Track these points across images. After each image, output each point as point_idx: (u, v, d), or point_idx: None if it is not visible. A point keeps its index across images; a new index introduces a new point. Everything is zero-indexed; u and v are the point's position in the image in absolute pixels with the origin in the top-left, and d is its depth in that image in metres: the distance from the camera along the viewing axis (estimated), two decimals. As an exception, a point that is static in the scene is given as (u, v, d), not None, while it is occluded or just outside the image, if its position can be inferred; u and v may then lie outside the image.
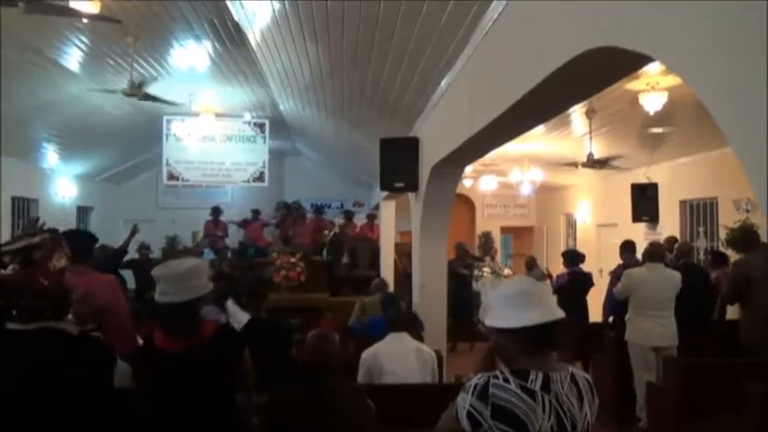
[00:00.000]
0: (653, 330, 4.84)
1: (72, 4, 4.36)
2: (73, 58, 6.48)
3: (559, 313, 1.73)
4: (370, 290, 6.26)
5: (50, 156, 10.13)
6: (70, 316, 2.24)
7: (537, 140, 7.23)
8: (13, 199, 9.40)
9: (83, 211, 12.19)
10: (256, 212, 11.81)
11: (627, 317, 5.07)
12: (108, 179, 12.90)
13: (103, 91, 6.87)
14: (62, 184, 10.99)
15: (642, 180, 8.46)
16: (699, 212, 7.87)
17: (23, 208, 9.80)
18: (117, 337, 2.78)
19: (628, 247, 6.17)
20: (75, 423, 2.08)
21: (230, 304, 4.36)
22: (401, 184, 6.10)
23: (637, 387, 4.91)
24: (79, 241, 3.04)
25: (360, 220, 12.32)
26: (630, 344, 4.97)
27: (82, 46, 6.13)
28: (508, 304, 1.72)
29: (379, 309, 5.57)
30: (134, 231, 7.01)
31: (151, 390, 2.38)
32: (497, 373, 1.67)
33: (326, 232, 11.33)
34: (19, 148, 9.03)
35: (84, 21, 4.86)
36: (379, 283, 6.36)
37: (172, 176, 10.30)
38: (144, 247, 8.86)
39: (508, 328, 1.70)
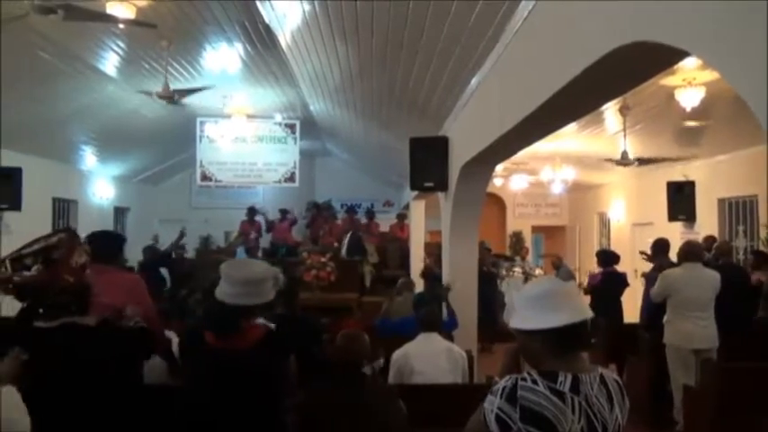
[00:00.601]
0: (693, 332, 4.70)
1: (109, 10, 4.49)
2: (110, 62, 6.66)
3: (587, 313, 1.70)
4: (396, 290, 6.26)
5: (89, 158, 10.43)
6: None
7: (569, 138, 7.13)
8: (54, 200, 9.71)
9: (120, 212, 12.51)
10: (284, 212, 11.94)
11: (665, 319, 4.95)
12: (144, 180, 13.22)
13: (140, 92, 7.04)
14: (100, 186, 11.31)
15: (678, 178, 8.26)
16: (738, 211, 7.64)
17: (64, 209, 10.12)
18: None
19: (660, 248, 5.77)
20: (101, 414, 2.14)
21: None
22: (431, 184, 6.08)
23: (674, 390, 4.80)
24: (104, 241, 3.14)
25: (390, 219, 12.37)
26: (669, 346, 4.85)
27: (118, 50, 6.29)
28: (533, 305, 1.70)
29: (405, 308, 5.58)
30: (182, 235, 7.12)
31: (195, 386, 2.40)
32: (525, 374, 1.65)
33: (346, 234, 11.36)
34: (59, 150, 9.34)
35: (121, 26, 4.99)
36: (406, 283, 6.35)
37: (205, 177, 10.49)
38: (179, 247, 9.06)
39: (534, 330, 1.68)
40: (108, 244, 3.18)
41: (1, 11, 4.33)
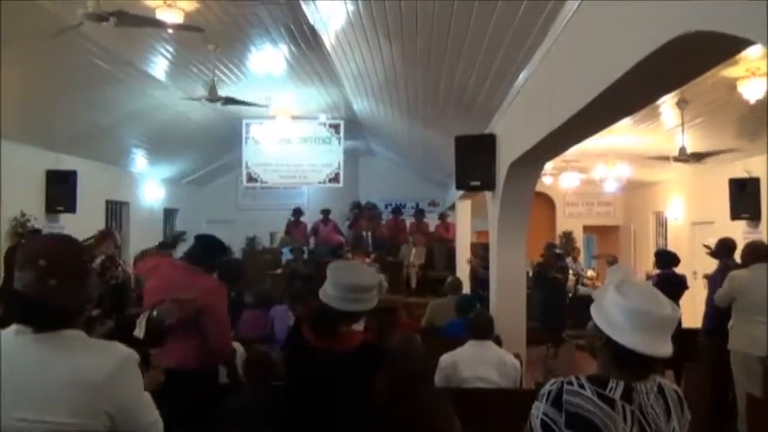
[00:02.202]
0: (761, 338, 4.49)
1: (158, 16, 4.65)
2: (159, 67, 6.90)
3: (666, 351, 1.61)
4: (443, 290, 6.23)
5: (139, 161, 10.83)
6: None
7: (623, 134, 6.95)
8: (107, 202, 10.12)
9: (169, 213, 12.93)
10: (327, 212, 12.06)
11: (730, 324, 4.74)
12: (191, 182, 13.61)
13: (188, 99, 7.26)
14: (150, 188, 11.72)
15: (740, 174, 7.91)
16: (809, 209, 7.25)
17: (116, 211, 10.54)
18: (211, 340, 2.91)
19: (726, 248, 5.53)
20: None
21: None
22: (477, 183, 6.03)
23: (738, 399, 4.59)
24: (205, 245, 3.24)
25: (434, 220, 12.33)
26: (734, 352, 4.64)
27: (167, 55, 6.51)
28: (627, 316, 1.61)
29: (449, 311, 5.54)
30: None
31: (296, 384, 2.43)
32: (572, 378, 1.62)
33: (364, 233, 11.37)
34: (111, 153, 9.73)
35: (170, 31, 5.16)
36: (453, 284, 6.30)
37: (251, 179, 10.72)
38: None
39: (613, 339, 1.62)
40: (206, 248, 3.25)
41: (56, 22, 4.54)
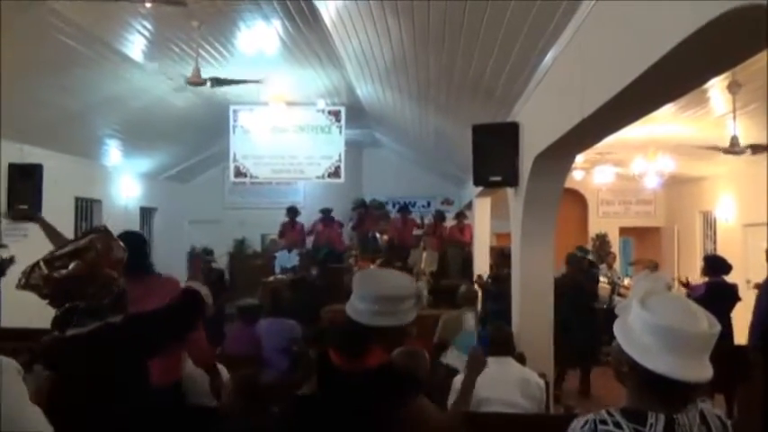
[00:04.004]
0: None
1: (135, -12, 4.69)
2: (136, 46, 6.93)
3: (703, 376, 1.56)
4: (457, 301, 6.22)
5: (113, 153, 10.88)
6: None
7: (665, 122, 6.94)
8: (77, 200, 10.18)
9: (146, 213, 12.99)
10: (327, 211, 12.07)
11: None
12: (172, 177, 13.68)
13: (169, 80, 7.30)
14: (125, 184, 11.78)
15: (803, 168, 7.88)
16: None
17: (87, 210, 10.59)
18: (190, 348, 2.95)
19: None
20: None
21: None
22: (498, 178, 6.03)
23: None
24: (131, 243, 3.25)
25: (451, 221, 12.32)
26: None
27: (145, 33, 6.54)
28: (654, 334, 1.57)
29: (461, 325, 5.54)
30: None
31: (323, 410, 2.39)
32: (605, 414, 1.59)
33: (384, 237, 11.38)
34: (81, 145, 9.78)
35: (148, 5, 5.19)
36: (466, 295, 6.26)
37: (239, 173, 10.76)
38: (207, 252, 9.12)
39: (633, 357, 1.59)
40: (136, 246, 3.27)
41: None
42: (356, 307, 2.31)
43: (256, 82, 7.86)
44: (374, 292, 2.30)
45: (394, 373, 2.39)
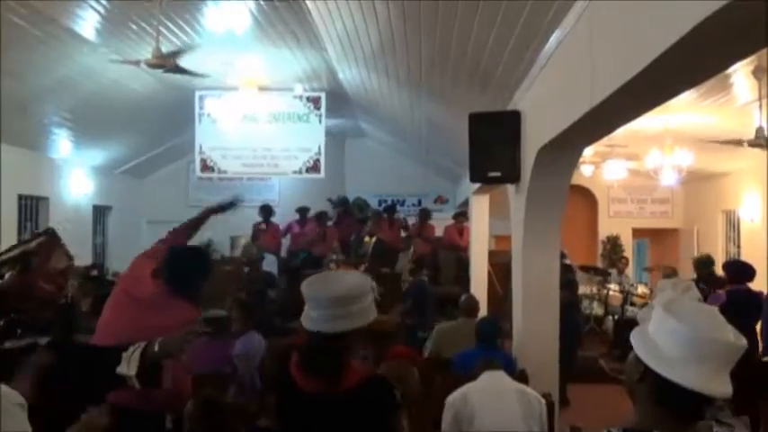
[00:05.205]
0: None
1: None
2: (89, 24, 6.88)
3: (725, 390, 1.59)
4: (452, 311, 6.25)
5: (62, 144, 10.80)
6: None
7: (684, 111, 7.00)
8: (20, 197, 10.07)
9: (100, 212, 12.91)
10: (305, 210, 12.04)
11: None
12: (129, 172, 13.59)
13: (124, 62, 7.24)
14: (76, 179, 11.69)
15: (836, 163, 7.97)
16: None
17: (32, 208, 10.49)
18: (175, 382, 2.96)
19: None
20: None
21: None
22: (497, 174, 6.05)
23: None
24: (190, 264, 3.41)
25: (443, 221, 12.31)
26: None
27: (99, 9, 6.49)
28: (678, 342, 1.59)
29: (461, 338, 5.56)
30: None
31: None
32: None
33: (367, 238, 11.39)
34: (26, 135, 9.68)
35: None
36: (467, 304, 6.30)
37: (206, 167, 10.72)
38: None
39: (652, 368, 1.61)
40: (186, 267, 3.39)
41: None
42: (310, 316, 2.36)
43: (203, 76, 7.73)
44: (324, 296, 2.35)
45: (377, 394, 2.38)
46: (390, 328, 7.98)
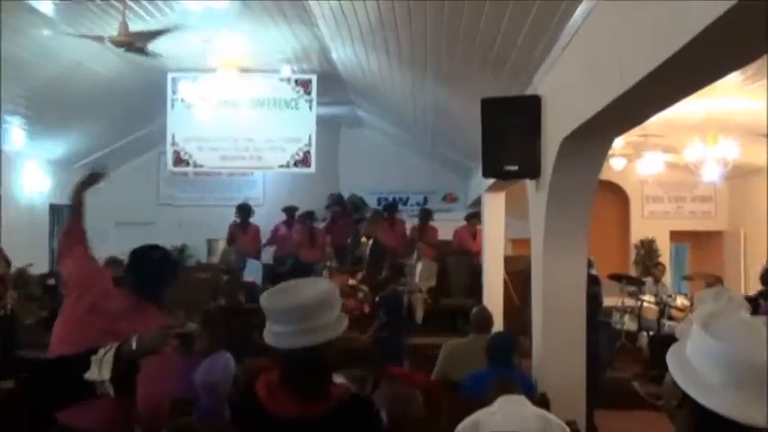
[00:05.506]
0: None
1: None
2: (45, -5, 6.89)
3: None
4: (463, 326, 6.26)
5: (15, 134, 10.79)
6: None
7: (729, 97, 7.05)
8: (-34, 196, 10.08)
9: (58, 212, 12.88)
10: (292, 210, 12.05)
11: None
12: (92, 166, 13.56)
13: (85, 37, 7.24)
14: (30, 174, 11.70)
15: None
16: None
17: (-21, 208, 10.48)
18: (143, 400, 2.96)
19: None
20: None
21: None
22: (514, 168, 6.05)
23: None
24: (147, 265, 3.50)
25: (453, 222, 12.31)
26: None
27: (56, -22, 6.51)
28: (718, 365, 1.59)
29: (473, 357, 5.56)
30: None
31: None
32: None
33: (363, 239, 11.42)
34: (-27, 123, 9.69)
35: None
36: (479, 318, 6.29)
37: (179, 160, 10.73)
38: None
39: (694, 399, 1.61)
40: (152, 269, 3.46)
41: None
42: (272, 331, 2.39)
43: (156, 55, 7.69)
44: (285, 308, 2.37)
45: (359, 418, 2.40)
46: (361, 346, 8.02)
